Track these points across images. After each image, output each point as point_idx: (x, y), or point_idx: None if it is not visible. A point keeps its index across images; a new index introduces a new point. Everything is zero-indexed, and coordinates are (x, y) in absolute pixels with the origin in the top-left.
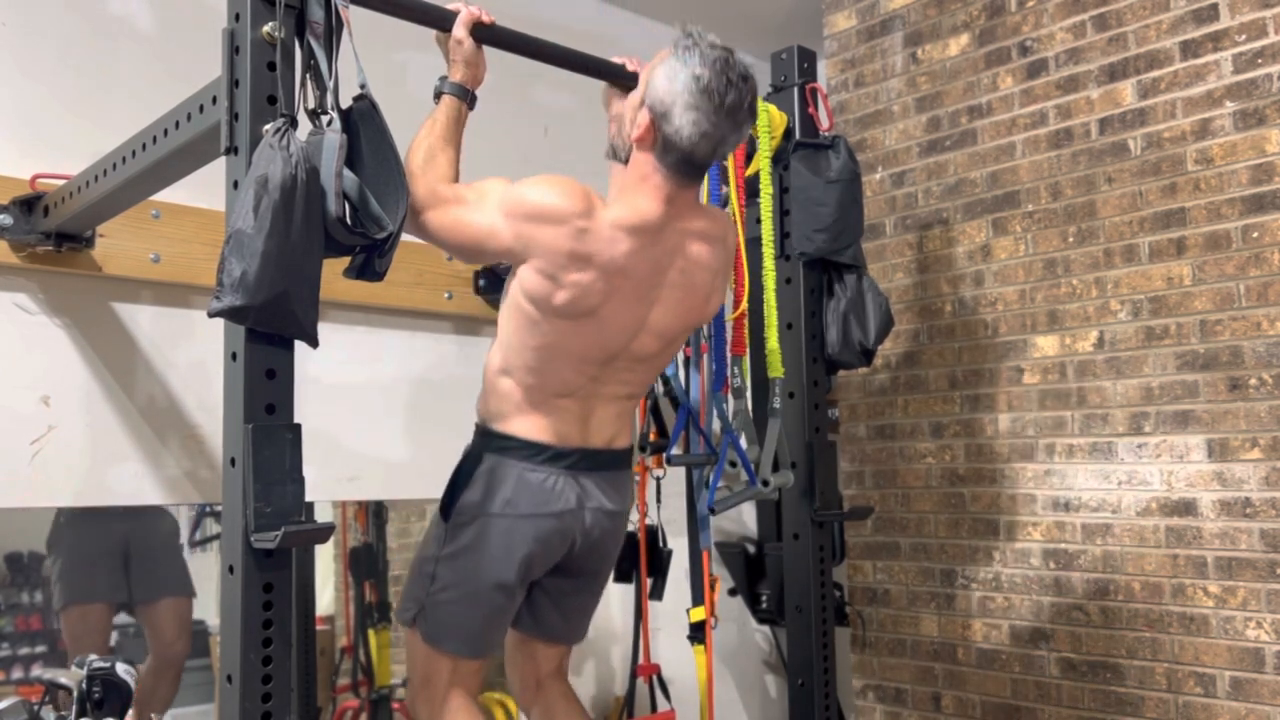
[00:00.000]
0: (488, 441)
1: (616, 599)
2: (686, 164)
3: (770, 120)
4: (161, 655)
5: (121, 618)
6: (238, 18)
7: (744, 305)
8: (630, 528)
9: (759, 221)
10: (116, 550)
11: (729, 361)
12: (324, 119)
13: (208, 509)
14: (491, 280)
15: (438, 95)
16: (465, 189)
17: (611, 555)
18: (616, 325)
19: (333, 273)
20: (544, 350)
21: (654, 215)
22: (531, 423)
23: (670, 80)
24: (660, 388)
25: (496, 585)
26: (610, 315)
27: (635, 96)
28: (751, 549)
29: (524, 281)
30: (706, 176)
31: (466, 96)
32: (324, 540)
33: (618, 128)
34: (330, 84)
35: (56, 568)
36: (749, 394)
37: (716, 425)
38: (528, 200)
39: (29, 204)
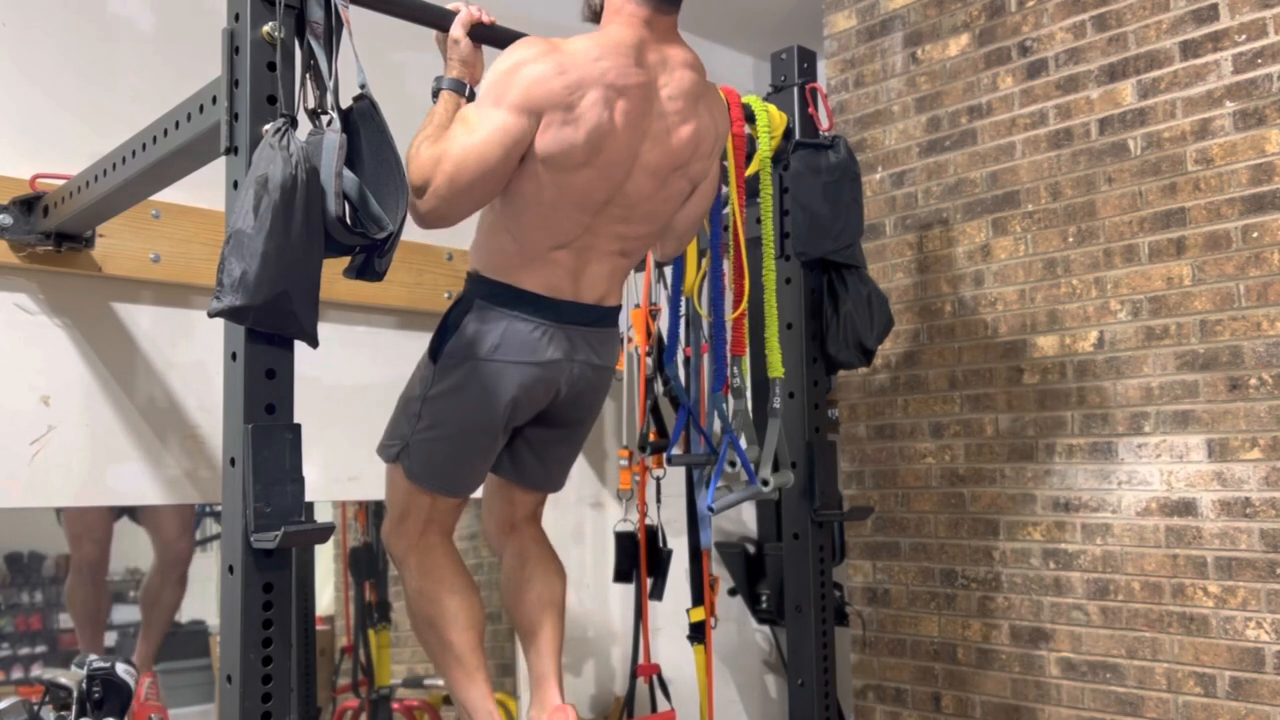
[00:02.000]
0: (479, 288)
1: (616, 599)
2: None
3: (770, 120)
4: (164, 556)
5: (121, 616)
6: (238, 18)
7: (744, 305)
8: (630, 528)
9: (759, 221)
10: None
11: (729, 361)
12: (324, 119)
13: (208, 509)
14: None
15: (436, 93)
16: (447, 136)
17: (594, 408)
18: (611, 159)
19: (333, 273)
20: (539, 199)
21: (631, 38)
22: (524, 273)
23: None
24: (660, 388)
25: (480, 427)
26: (606, 149)
27: None
28: (751, 549)
29: (537, 147)
30: None
31: (464, 91)
32: (324, 540)
33: None
34: (330, 84)
35: None
36: (749, 394)
37: (716, 425)
38: (502, 73)
39: (29, 204)
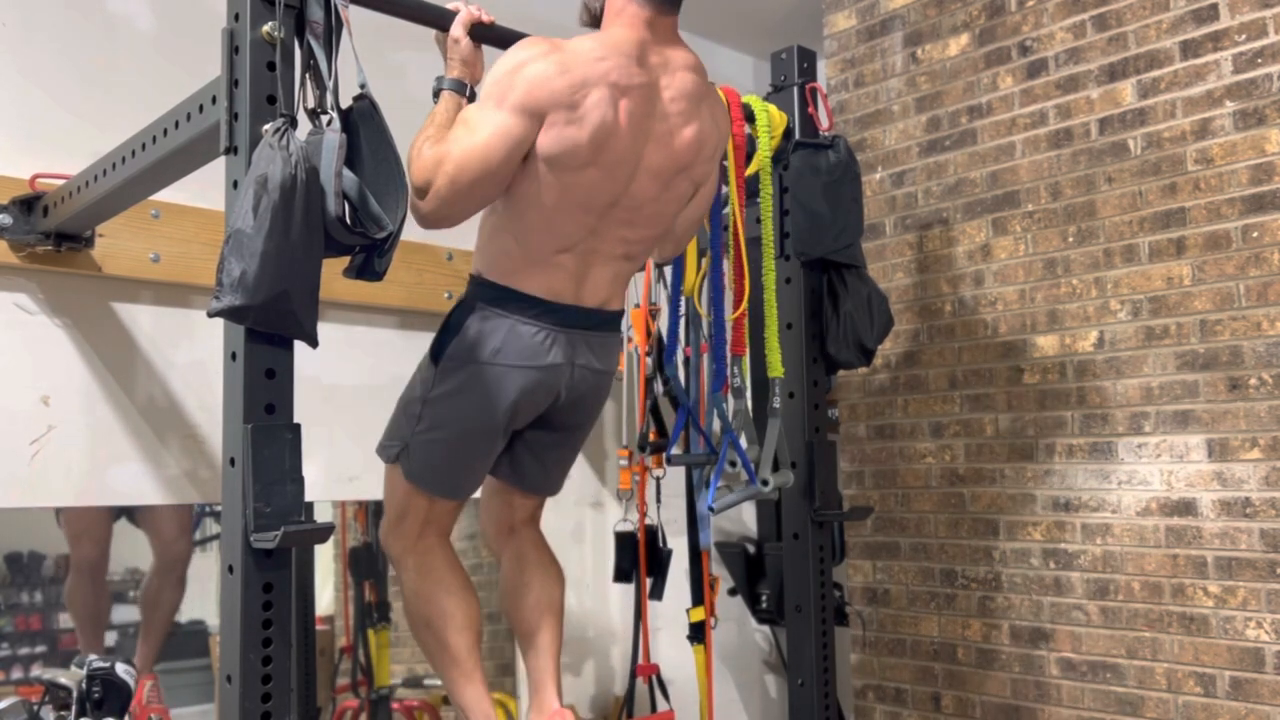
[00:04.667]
0: (481, 291)
1: (616, 599)
2: None
3: (770, 120)
4: (163, 556)
5: (121, 616)
6: (237, 18)
7: (744, 305)
8: (630, 528)
9: (759, 221)
10: None
11: (729, 361)
12: (324, 119)
13: (208, 509)
14: None
15: (436, 93)
16: (448, 138)
17: (594, 411)
18: (615, 159)
19: (333, 273)
20: (543, 200)
21: (633, 39)
22: (527, 277)
23: None
24: (660, 388)
25: (480, 430)
26: (610, 149)
27: None
28: (751, 549)
29: (540, 148)
30: None
31: (465, 91)
32: (324, 540)
33: None
34: (330, 84)
35: None
36: (749, 394)
37: (716, 425)
38: (504, 73)
39: (29, 204)
